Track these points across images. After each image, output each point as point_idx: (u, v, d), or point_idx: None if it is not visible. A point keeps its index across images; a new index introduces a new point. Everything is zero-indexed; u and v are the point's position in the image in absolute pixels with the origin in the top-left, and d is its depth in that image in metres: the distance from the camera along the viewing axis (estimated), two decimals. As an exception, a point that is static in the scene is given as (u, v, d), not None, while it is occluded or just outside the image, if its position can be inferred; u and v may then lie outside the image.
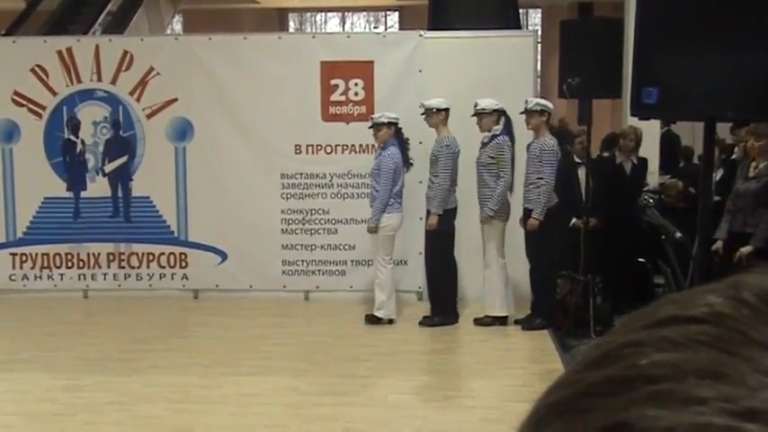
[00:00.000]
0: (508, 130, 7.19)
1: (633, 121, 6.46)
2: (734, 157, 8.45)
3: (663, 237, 7.21)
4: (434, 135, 7.40)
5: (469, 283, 7.67)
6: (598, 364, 0.35)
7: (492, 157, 7.14)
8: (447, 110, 7.32)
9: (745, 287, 0.35)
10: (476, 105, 7.19)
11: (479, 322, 7.34)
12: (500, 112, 7.18)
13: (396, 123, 7.35)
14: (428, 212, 7.34)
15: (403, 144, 7.42)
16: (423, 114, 7.38)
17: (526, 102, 7.15)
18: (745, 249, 6.35)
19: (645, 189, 8.10)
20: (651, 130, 8.49)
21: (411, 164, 7.51)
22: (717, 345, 0.32)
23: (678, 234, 6.97)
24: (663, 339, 0.34)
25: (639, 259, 7.63)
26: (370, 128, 7.42)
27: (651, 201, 7.72)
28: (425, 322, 7.42)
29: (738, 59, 3.62)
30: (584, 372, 0.35)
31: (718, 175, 8.00)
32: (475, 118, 7.20)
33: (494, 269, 7.24)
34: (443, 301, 7.44)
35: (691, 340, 0.33)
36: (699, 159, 8.77)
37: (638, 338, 0.34)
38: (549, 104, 7.21)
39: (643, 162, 8.09)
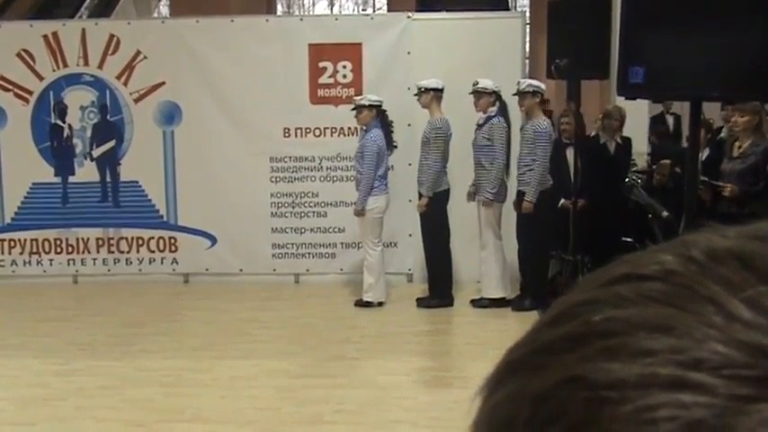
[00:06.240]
0: (503, 112, 7.17)
1: (620, 101, 6.47)
2: (721, 135, 8.46)
3: (650, 216, 7.24)
4: (423, 117, 7.38)
5: (463, 265, 7.69)
6: (554, 323, 0.36)
7: (487, 138, 7.11)
8: (438, 90, 7.28)
9: (694, 245, 0.36)
10: (475, 83, 7.14)
11: (478, 304, 7.33)
12: (497, 95, 7.15)
13: (378, 106, 7.33)
14: (420, 195, 7.34)
15: (386, 126, 7.40)
16: (416, 95, 7.36)
17: (519, 83, 7.13)
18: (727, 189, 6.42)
19: (633, 170, 8.12)
20: (639, 111, 8.49)
21: (395, 146, 7.49)
22: (667, 300, 0.34)
23: (665, 213, 7.00)
24: (616, 296, 0.35)
25: (626, 238, 7.66)
26: (352, 110, 7.41)
27: (639, 181, 7.74)
28: (422, 303, 7.44)
29: (724, 39, 3.62)
30: (541, 331, 0.37)
31: (704, 155, 8.02)
32: (467, 99, 7.17)
33: (490, 251, 7.24)
34: (441, 283, 7.45)
35: (642, 297, 0.34)
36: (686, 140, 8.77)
37: (593, 296, 0.36)
38: (542, 86, 7.19)
39: (627, 141, 8.09)
